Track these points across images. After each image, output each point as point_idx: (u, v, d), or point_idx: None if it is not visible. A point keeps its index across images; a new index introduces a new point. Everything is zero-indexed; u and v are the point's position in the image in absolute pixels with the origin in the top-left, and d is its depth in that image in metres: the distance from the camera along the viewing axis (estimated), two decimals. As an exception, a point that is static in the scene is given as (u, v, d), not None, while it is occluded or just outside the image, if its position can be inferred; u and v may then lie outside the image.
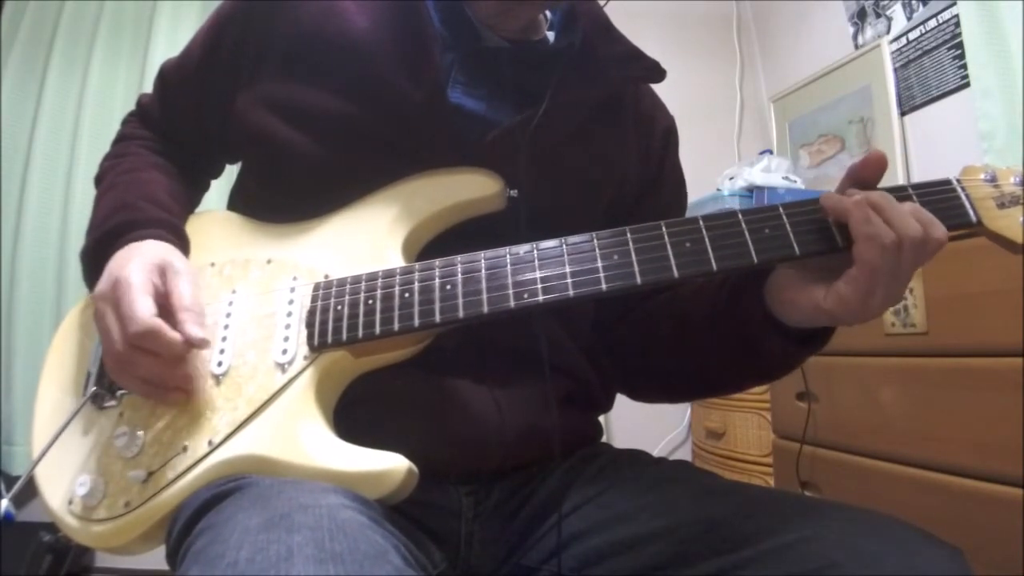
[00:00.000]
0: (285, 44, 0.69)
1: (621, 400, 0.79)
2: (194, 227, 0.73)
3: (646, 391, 0.79)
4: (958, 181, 0.56)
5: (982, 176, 0.56)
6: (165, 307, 0.59)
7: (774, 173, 1.92)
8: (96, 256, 0.66)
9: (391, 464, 0.52)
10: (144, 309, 0.56)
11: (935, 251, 0.53)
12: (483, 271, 0.57)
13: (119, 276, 0.59)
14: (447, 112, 0.66)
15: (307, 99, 0.66)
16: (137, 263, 0.60)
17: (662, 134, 0.81)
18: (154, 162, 0.77)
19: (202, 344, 0.58)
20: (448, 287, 0.57)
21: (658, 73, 0.75)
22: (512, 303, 0.55)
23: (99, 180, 0.76)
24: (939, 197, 0.56)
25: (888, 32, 1.92)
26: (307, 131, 0.66)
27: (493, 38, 0.72)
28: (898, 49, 1.89)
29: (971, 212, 0.55)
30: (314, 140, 0.65)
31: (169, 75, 0.79)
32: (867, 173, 0.56)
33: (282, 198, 0.68)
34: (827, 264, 0.56)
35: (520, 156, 0.66)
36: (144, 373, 0.58)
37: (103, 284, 0.61)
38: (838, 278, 0.54)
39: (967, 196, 0.55)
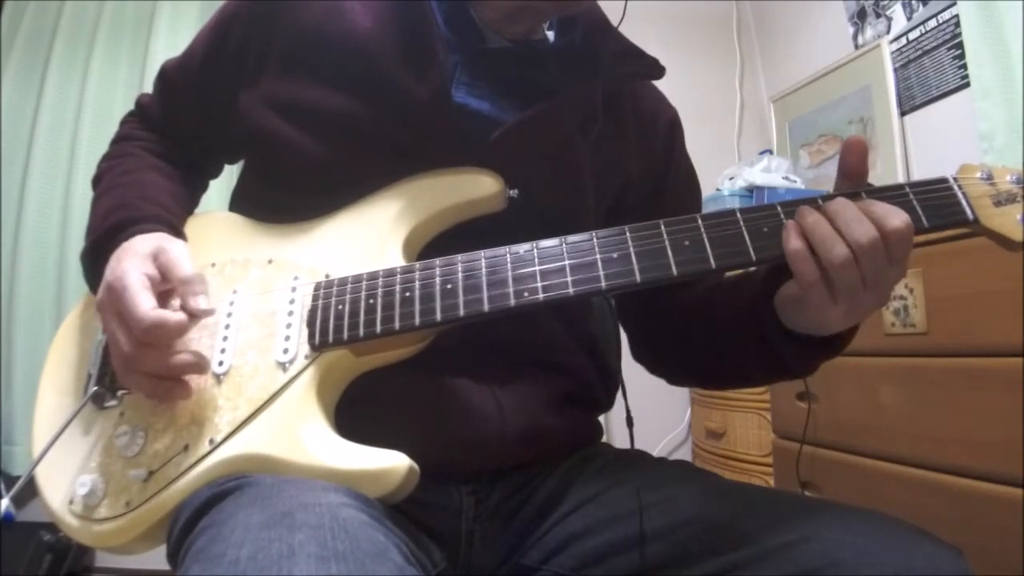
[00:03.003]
0: (289, 43, 0.69)
1: (621, 400, 0.79)
2: (195, 228, 0.73)
3: (683, 380, 0.83)
4: (955, 179, 0.56)
5: (978, 174, 0.57)
6: (165, 294, 0.60)
7: (774, 173, 1.92)
8: (95, 257, 0.66)
9: (392, 462, 0.52)
10: (144, 305, 0.56)
11: (900, 242, 0.52)
12: (483, 270, 0.57)
13: (113, 281, 0.59)
14: (451, 112, 0.66)
15: (311, 98, 0.66)
16: (129, 263, 0.60)
17: (666, 129, 0.81)
18: (153, 163, 0.76)
19: (206, 314, 0.59)
20: (449, 286, 0.57)
21: (657, 70, 0.76)
22: (512, 302, 0.55)
23: (97, 181, 0.76)
24: (936, 195, 0.56)
25: (888, 32, 1.92)
26: (310, 130, 0.66)
27: (496, 39, 0.72)
28: (898, 49, 1.89)
29: (968, 210, 0.55)
30: (317, 139, 0.65)
31: (171, 75, 0.79)
32: (853, 160, 0.57)
33: (284, 197, 0.68)
34: None
35: (523, 155, 0.66)
36: (152, 367, 0.58)
37: (101, 293, 0.61)
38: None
39: (964, 194, 0.56)
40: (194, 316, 0.58)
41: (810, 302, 0.55)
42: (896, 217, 0.52)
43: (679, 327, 0.75)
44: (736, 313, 0.66)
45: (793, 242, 0.53)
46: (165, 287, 0.60)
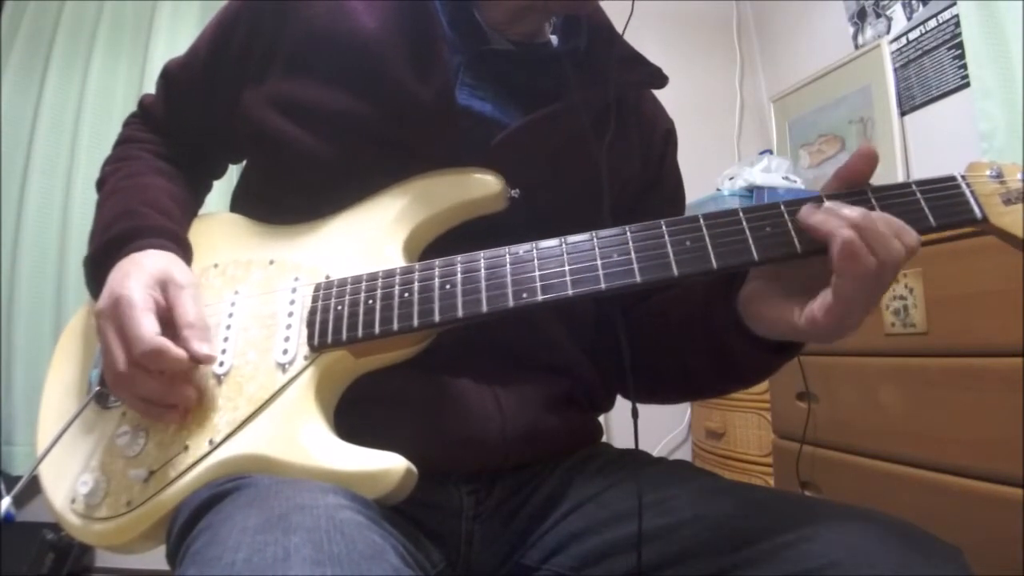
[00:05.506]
0: (294, 43, 0.69)
1: (621, 400, 0.79)
2: (199, 229, 0.73)
3: (637, 391, 0.79)
4: (963, 177, 0.55)
5: (988, 172, 0.55)
6: (167, 322, 0.59)
7: (774, 173, 1.92)
8: (99, 264, 0.66)
9: (389, 464, 0.52)
10: (148, 328, 0.56)
11: (909, 259, 0.52)
12: (482, 271, 0.57)
13: (120, 294, 0.59)
14: (455, 113, 0.66)
15: (315, 98, 0.66)
16: (137, 279, 0.60)
17: (662, 137, 0.81)
18: (157, 167, 0.76)
19: (208, 360, 0.58)
20: (447, 287, 0.57)
21: (660, 79, 0.76)
22: (511, 302, 0.55)
23: (101, 184, 0.76)
24: (943, 194, 0.55)
25: (888, 32, 1.92)
26: (314, 130, 0.66)
27: (500, 40, 0.72)
28: (898, 49, 1.89)
29: (976, 208, 0.54)
30: (321, 139, 0.65)
31: (174, 74, 0.79)
32: (858, 168, 0.55)
33: (287, 197, 0.68)
34: (801, 276, 0.55)
35: (526, 159, 0.66)
36: (144, 392, 0.58)
37: (103, 301, 0.60)
38: (812, 297, 0.53)
39: (972, 192, 0.54)
40: (195, 360, 0.58)
41: (845, 298, 0.51)
42: (911, 235, 0.52)
43: (638, 332, 0.73)
44: (689, 312, 0.66)
45: (846, 231, 0.50)
46: (168, 317, 0.60)
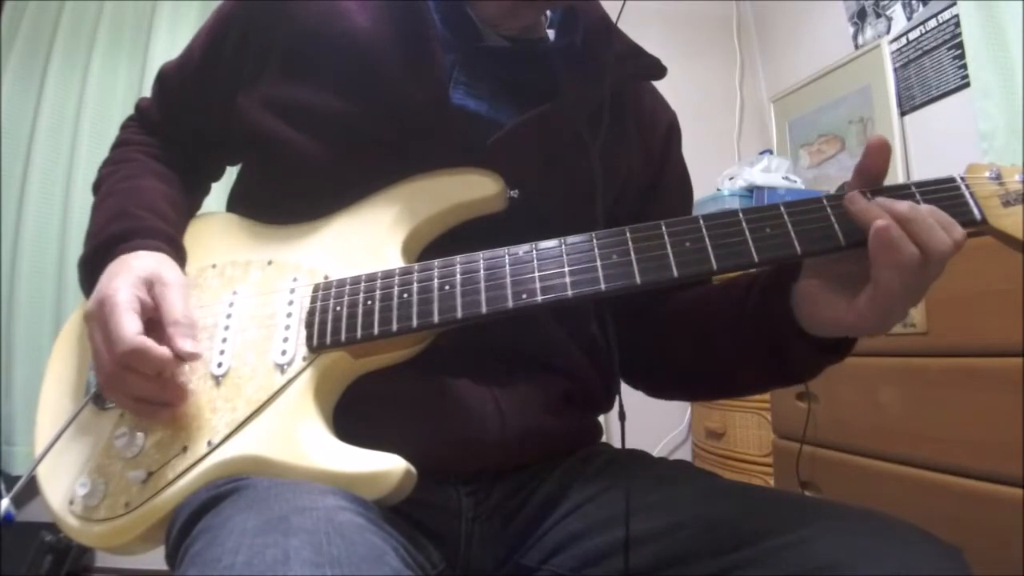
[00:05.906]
0: (288, 44, 0.68)
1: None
2: (196, 229, 0.72)
3: (665, 389, 0.78)
4: (962, 179, 0.55)
5: (987, 174, 0.55)
6: (155, 321, 0.59)
7: (774, 173, 1.92)
8: (92, 266, 0.65)
9: (388, 465, 0.52)
10: (129, 328, 0.56)
11: (956, 253, 0.52)
12: (481, 272, 0.57)
13: (105, 295, 0.58)
14: (450, 113, 0.66)
15: (309, 99, 0.66)
16: (124, 279, 0.60)
17: (664, 131, 0.81)
18: (153, 169, 0.76)
19: (191, 357, 0.58)
20: (446, 288, 0.57)
21: (659, 70, 0.76)
22: (511, 303, 0.55)
23: (97, 187, 0.76)
24: (943, 195, 0.55)
25: (888, 32, 1.92)
26: (309, 131, 0.65)
27: (494, 37, 0.72)
28: (898, 49, 1.89)
29: (976, 210, 0.54)
30: (316, 140, 0.65)
31: (169, 77, 0.79)
32: (873, 161, 0.55)
33: (283, 199, 0.68)
34: (848, 273, 0.55)
35: (522, 158, 0.66)
36: (135, 391, 0.58)
37: (91, 304, 0.60)
38: (859, 291, 0.53)
39: (971, 194, 0.54)
40: (179, 357, 0.57)
41: (888, 292, 0.52)
42: (958, 229, 0.52)
43: (664, 334, 0.73)
44: (740, 315, 0.65)
45: (880, 221, 0.51)
46: (155, 316, 0.60)
